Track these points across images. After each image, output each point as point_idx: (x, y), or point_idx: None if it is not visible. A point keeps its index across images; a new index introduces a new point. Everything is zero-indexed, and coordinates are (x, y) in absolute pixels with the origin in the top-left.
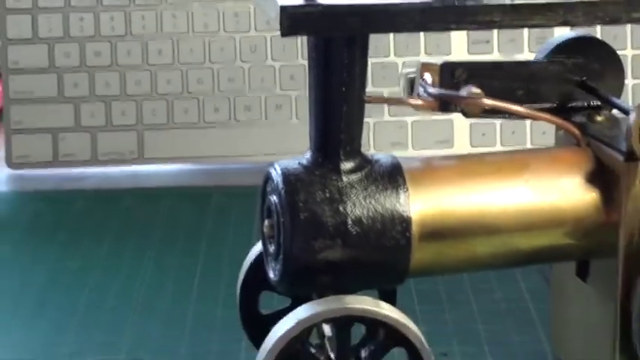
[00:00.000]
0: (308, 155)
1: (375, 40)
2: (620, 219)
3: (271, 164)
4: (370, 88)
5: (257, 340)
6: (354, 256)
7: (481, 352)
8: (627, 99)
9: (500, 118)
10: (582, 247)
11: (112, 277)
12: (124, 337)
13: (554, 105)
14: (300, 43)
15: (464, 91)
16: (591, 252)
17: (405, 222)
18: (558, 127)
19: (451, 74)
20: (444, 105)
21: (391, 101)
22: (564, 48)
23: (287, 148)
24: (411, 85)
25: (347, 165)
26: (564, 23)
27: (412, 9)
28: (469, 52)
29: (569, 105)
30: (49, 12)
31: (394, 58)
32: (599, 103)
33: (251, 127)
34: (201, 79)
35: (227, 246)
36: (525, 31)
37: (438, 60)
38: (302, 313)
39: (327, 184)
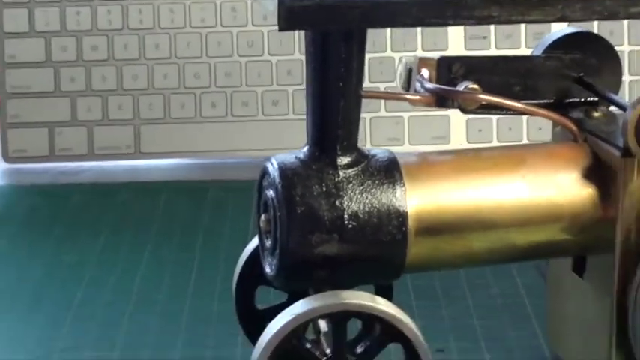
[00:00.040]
0: (305, 150)
1: (372, 35)
2: (616, 214)
3: (268, 159)
4: (367, 84)
5: (253, 335)
6: (350, 250)
7: (477, 348)
8: (624, 95)
9: (497, 113)
10: (579, 242)
11: (108, 271)
12: (121, 332)
13: (552, 101)
14: (298, 37)
15: (461, 86)
16: (588, 247)
17: (402, 217)
18: (555, 123)
19: (448, 69)
20: (441, 100)
21: (388, 96)
22: (562, 43)
23: (284, 143)
24: (409, 75)
25: (344, 160)
26: (562, 18)
27: (410, 3)
28: (466, 48)
29: (567, 101)
30: (45, 6)
31: (391, 54)
32: (596, 98)
33: (248, 121)
34: (198, 74)
35: (223, 240)
36: (522, 26)
37: (435, 55)
38: (298, 308)
39: (323, 178)
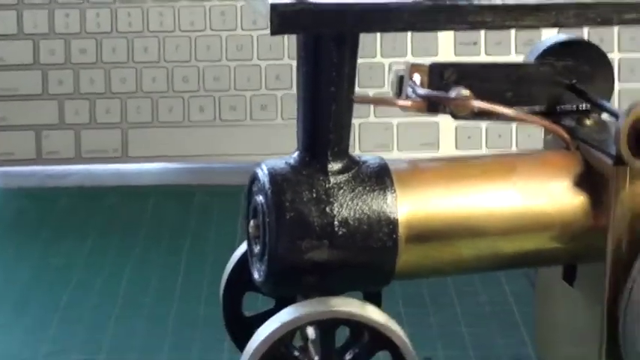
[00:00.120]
0: (295, 155)
1: (362, 40)
2: (608, 223)
3: (258, 164)
4: (356, 89)
5: (240, 341)
6: (340, 257)
7: (465, 356)
8: (614, 103)
9: (488, 120)
10: (570, 251)
11: (95, 274)
12: (107, 335)
13: (544, 108)
14: (287, 42)
15: (453, 93)
16: (579, 256)
17: (392, 224)
18: (547, 131)
19: (440, 75)
20: (433, 106)
21: (379, 102)
22: (554, 50)
23: (272, 148)
24: (400, 83)
25: (335, 165)
26: (555, 24)
27: (403, 8)
28: (456, 54)
29: (559, 108)
30: (34, 8)
31: (381, 59)
32: (588, 106)
33: (236, 126)
34: (187, 78)
35: (210, 245)
36: (512, 33)
37: (424, 61)
38: (286, 315)
39: (314, 184)
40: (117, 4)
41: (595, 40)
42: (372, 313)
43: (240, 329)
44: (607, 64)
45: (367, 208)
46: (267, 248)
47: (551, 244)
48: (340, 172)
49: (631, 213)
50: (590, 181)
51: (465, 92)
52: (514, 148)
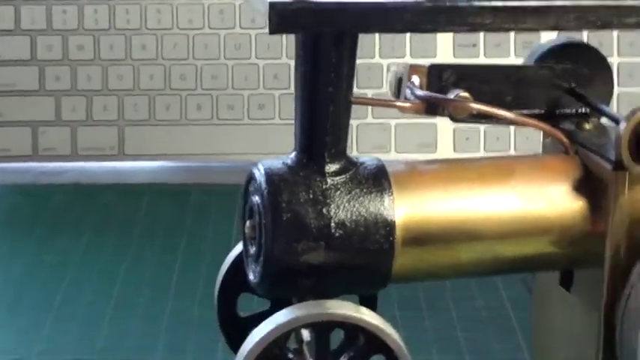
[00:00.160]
0: (292, 155)
1: (360, 40)
2: (606, 229)
3: (255, 164)
4: (355, 90)
5: (234, 342)
6: (336, 259)
7: None
8: (612, 107)
9: (487, 123)
10: (568, 256)
11: (89, 272)
12: (100, 335)
13: (543, 111)
14: (285, 41)
15: (451, 94)
16: (576, 261)
17: (389, 226)
18: (546, 134)
19: (439, 77)
20: (431, 108)
21: (378, 103)
22: (553, 53)
23: (269, 147)
24: (399, 84)
25: (332, 167)
26: (555, 27)
27: (403, 9)
28: (455, 56)
29: (558, 111)
30: (32, 4)
31: (379, 60)
32: (587, 110)
33: (233, 125)
34: (184, 76)
35: (206, 244)
36: (512, 35)
37: (423, 62)
38: (281, 317)
39: (311, 185)
40: (115, 1)
41: (594, 44)
42: (368, 316)
43: (235, 330)
44: (606, 68)
45: (364, 210)
46: (263, 249)
47: (549, 249)
48: (337, 173)
49: (630, 219)
50: (589, 185)
51: (464, 94)
52: (512, 151)
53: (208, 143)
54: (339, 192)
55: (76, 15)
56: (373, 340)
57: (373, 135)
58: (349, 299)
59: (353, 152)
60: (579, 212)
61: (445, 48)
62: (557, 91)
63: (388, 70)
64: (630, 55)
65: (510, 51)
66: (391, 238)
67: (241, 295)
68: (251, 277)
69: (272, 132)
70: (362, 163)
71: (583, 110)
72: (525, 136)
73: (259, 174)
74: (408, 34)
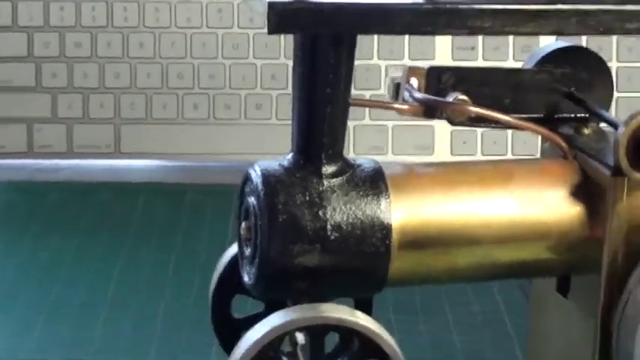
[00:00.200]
0: (289, 157)
1: (358, 41)
2: (604, 234)
3: (251, 165)
4: (352, 91)
5: (228, 344)
6: (332, 262)
7: None
8: (611, 112)
9: (485, 126)
10: (565, 261)
11: (83, 272)
12: (94, 335)
13: (541, 115)
14: (283, 41)
15: (450, 98)
16: (574, 267)
17: (386, 229)
18: (544, 139)
19: (438, 79)
20: (430, 111)
21: (376, 104)
22: (553, 57)
23: (265, 148)
24: (397, 89)
25: (329, 168)
26: (556, 32)
27: (403, 10)
28: (453, 58)
29: (557, 116)
30: (29, 0)
31: (378, 61)
32: (586, 114)
33: (230, 125)
34: (182, 75)
35: (201, 244)
36: (510, 38)
37: (421, 64)
38: (276, 320)
39: (307, 187)
40: None
41: (593, 49)
42: (363, 320)
43: (229, 332)
44: (606, 72)
45: (360, 213)
46: (259, 251)
47: (546, 254)
48: (334, 175)
49: (628, 225)
50: (587, 191)
51: (463, 97)
52: (509, 155)
53: (205, 142)
54: (335, 194)
55: (73, 12)
56: (368, 344)
57: (370, 136)
58: (345, 303)
59: (350, 154)
60: (577, 218)
61: (444, 50)
62: (556, 96)
63: (386, 71)
64: (629, 60)
65: (509, 54)
66: (387, 242)
67: (236, 296)
68: (246, 278)
69: (269, 132)
70: (359, 165)
71: (582, 115)
72: (523, 140)
73: (256, 175)
74: (407, 36)
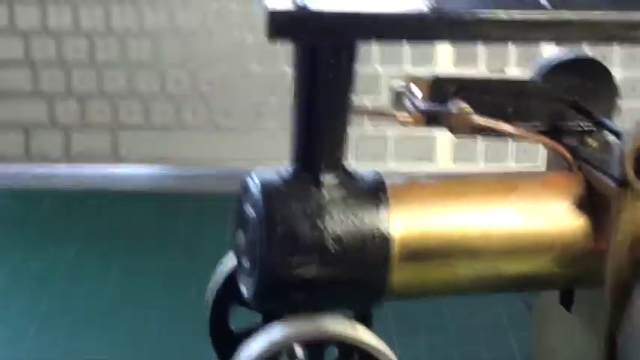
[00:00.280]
0: (288, 166)
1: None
2: (609, 247)
3: (249, 174)
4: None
5: (225, 357)
6: (331, 274)
7: None
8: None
9: (489, 136)
10: (569, 274)
11: (79, 279)
12: (88, 344)
13: (546, 125)
14: (284, 47)
15: (453, 107)
16: (578, 280)
17: (386, 241)
18: (548, 149)
19: (440, 88)
20: (432, 120)
21: (378, 114)
22: (557, 66)
23: (265, 155)
24: (399, 94)
25: (328, 179)
26: (560, 40)
27: (405, 18)
28: (455, 65)
29: (561, 126)
30: (26, 4)
31: (378, 68)
32: (591, 125)
33: (229, 132)
34: (180, 80)
35: (198, 253)
36: (512, 46)
37: (422, 71)
38: (275, 333)
39: (306, 197)
40: (111, 3)
41: (597, 58)
42: (363, 334)
43: (226, 343)
44: (611, 82)
45: (360, 224)
46: (257, 262)
47: (550, 267)
48: (334, 185)
49: (632, 237)
50: (591, 202)
51: (465, 107)
52: (512, 163)
53: (203, 150)
54: (335, 205)
55: (71, 16)
56: (368, 359)
57: (371, 145)
58: (344, 316)
59: (350, 162)
60: (581, 230)
61: (445, 57)
62: (561, 105)
63: (387, 78)
64: (633, 69)
65: (511, 62)
66: (387, 253)
67: (233, 307)
68: (244, 290)
69: (269, 139)
70: (359, 176)
71: (586, 125)
72: (524, 149)
73: (254, 185)
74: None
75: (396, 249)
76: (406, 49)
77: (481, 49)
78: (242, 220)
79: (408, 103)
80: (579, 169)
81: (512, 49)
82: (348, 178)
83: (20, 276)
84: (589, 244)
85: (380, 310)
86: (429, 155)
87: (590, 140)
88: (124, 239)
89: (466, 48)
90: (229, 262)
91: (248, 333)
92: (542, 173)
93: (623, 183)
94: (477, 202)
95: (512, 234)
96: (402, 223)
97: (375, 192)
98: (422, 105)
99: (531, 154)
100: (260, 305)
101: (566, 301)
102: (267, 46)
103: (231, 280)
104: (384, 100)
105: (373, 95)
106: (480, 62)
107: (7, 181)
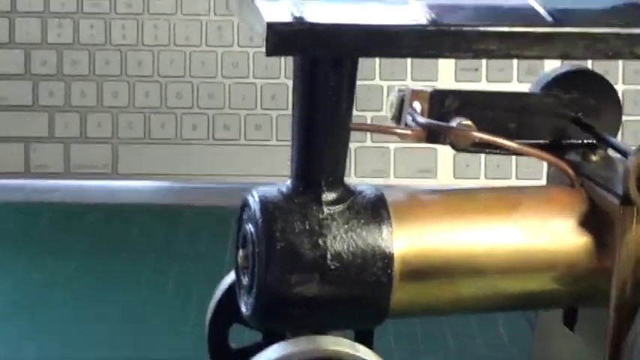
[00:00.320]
0: (288, 183)
1: (360, 62)
2: (613, 265)
3: (249, 191)
4: (354, 112)
5: None
6: (331, 292)
7: None
8: (618, 136)
9: (490, 152)
10: (572, 293)
11: (78, 294)
12: (88, 357)
13: (548, 141)
14: (284, 61)
15: (454, 122)
16: (581, 299)
17: (387, 259)
18: (550, 165)
19: (441, 103)
20: (433, 135)
21: (378, 129)
22: (560, 81)
23: (265, 169)
24: (400, 109)
25: (329, 195)
26: (563, 56)
27: (406, 32)
28: (457, 80)
29: (563, 142)
30: (27, 16)
31: (379, 82)
32: (594, 140)
33: (229, 146)
34: (180, 94)
35: (197, 268)
36: (515, 60)
37: (424, 85)
38: (275, 353)
39: (306, 214)
40: (112, 16)
41: (599, 72)
42: (364, 353)
43: None
44: (614, 97)
45: (361, 242)
46: (256, 280)
47: (553, 285)
48: (334, 202)
49: (637, 255)
50: (594, 220)
51: (467, 122)
52: (513, 179)
53: (203, 163)
54: (335, 222)
55: (71, 29)
56: None
57: (372, 159)
58: (345, 335)
59: (351, 177)
60: (584, 248)
61: (447, 71)
62: (563, 121)
63: (388, 92)
64: (635, 83)
65: (513, 76)
66: (389, 271)
67: (233, 325)
68: (243, 308)
69: (268, 153)
70: (360, 192)
71: (589, 141)
72: (526, 164)
73: (254, 201)
74: None
75: (397, 267)
76: (408, 61)
77: (483, 63)
78: (242, 237)
79: (408, 118)
80: (582, 185)
81: (515, 63)
82: (348, 195)
83: (20, 289)
84: (593, 263)
85: (381, 326)
86: (430, 169)
87: (592, 156)
88: (123, 253)
89: (468, 63)
90: (229, 279)
91: (248, 352)
92: (544, 190)
93: (626, 201)
94: (479, 219)
95: (516, 252)
96: (404, 240)
97: (376, 209)
98: (422, 120)
99: (534, 169)
100: (259, 323)
101: (570, 319)
102: (267, 58)
103: (231, 297)
104: (385, 114)
105: (375, 110)
106: (482, 77)
107: (7, 195)
